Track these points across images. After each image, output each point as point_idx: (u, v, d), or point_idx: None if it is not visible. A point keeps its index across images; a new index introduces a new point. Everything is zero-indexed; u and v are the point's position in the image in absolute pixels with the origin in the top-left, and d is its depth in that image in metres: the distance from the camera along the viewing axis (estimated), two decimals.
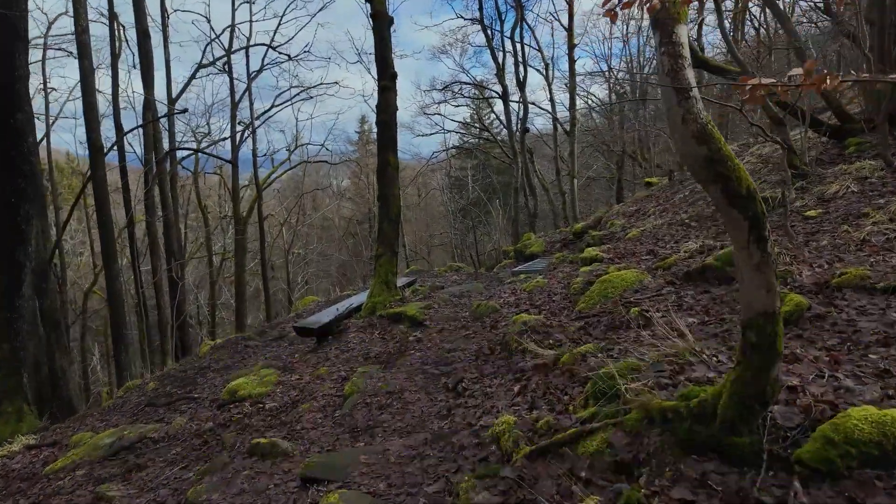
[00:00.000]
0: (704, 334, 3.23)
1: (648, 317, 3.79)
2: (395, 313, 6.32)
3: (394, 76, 7.16)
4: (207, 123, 18.74)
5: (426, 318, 6.01)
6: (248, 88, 16.49)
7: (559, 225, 22.28)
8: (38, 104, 15.40)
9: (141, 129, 11.79)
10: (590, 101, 26.41)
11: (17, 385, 6.99)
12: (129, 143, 14.20)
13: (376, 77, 7.29)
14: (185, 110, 10.67)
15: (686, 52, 1.83)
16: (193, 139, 19.01)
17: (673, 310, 3.78)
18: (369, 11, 7.25)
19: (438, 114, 20.41)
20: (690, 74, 1.82)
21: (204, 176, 19.70)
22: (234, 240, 17.49)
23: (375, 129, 7.34)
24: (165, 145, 13.97)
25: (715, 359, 2.73)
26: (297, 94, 18.28)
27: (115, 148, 11.16)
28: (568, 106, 18.78)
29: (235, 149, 16.59)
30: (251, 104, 16.01)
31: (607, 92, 28.57)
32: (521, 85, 16.65)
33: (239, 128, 17.15)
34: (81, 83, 9.55)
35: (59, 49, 15.32)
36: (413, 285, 8.51)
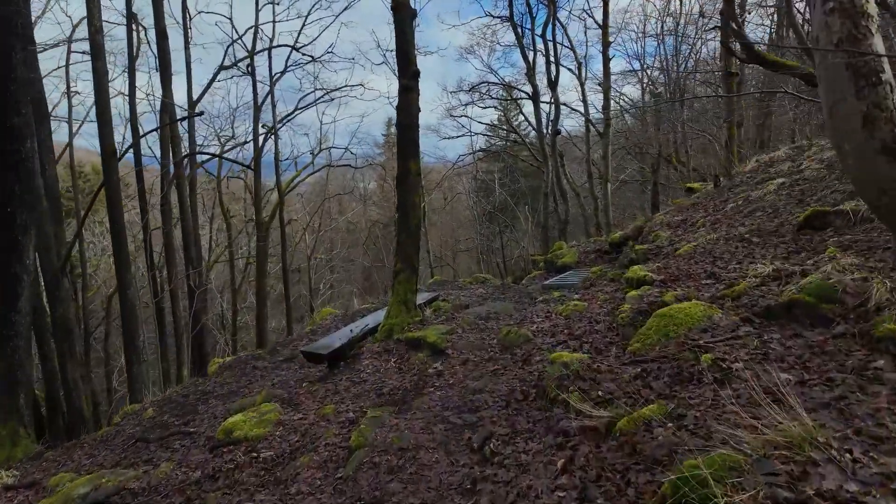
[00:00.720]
0: (811, 402, 2.44)
1: (726, 367, 3.02)
2: (414, 339, 5.63)
3: (416, 74, 6.49)
4: (232, 127, 18.48)
5: (448, 346, 5.31)
6: (271, 91, 16.11)
7: (590, 232, 21.38)
8: (62, 108, 15.21)
9: (159, 135, 11.43)
10: (622, 102, 25.37)
11: (13, 406, 6.56)
12: (150, 148, 13.93)
13: (397, 75, 6.64)
14: (200, 113, 10.29)
15: (872, 9, 1.10)
16: (217, 143, 18.81)
17: (758, 360, 2.99)
18: (390, 3, 6.60)
19: (465, 115, 19.75)
20: (879, 42, 1.09)
21: (227, 180, 19.46)
22: (255, 245, 17.16)
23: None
24: (186, 149, 13.64)
25: (847, 455, 1.95)
26: (321, 96, 17.85)
27: (132, 152, 10.80)
28: (601, 107, 17.86)
29: (258, 152, 16.22)
30: (273, 107, 15.62)
31: (640, 92, 27.53)
32: (553, 84, 15.83)
33: (262, 131, 16.81)
34: (94, 85, 9.18)
35: (84, 53, 15.22)
36: (435, 302, 7.82)
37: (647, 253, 7.24)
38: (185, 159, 12.11)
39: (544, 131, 16.47)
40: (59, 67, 13.20)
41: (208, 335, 19.01)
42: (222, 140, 18.83)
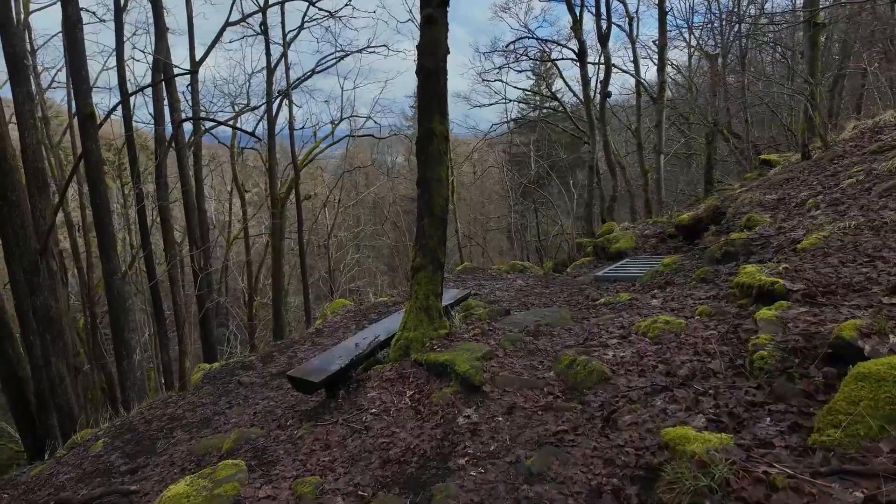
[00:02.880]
0: None
1: None
2: (439, 364, 4.08)
3: (444, 1, 4.80)
4: (247, 94, 17.00)
5: (486, 381, 3.74)
6: (285, 52, 14.52)
7: (637, 210, 19.42)
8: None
9: (152, 96, 10.01)
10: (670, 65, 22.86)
11: None
12: (153, 117, 12.58)
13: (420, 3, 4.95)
14: (194, 70, 8.83)
15: None
16: (233, 112, 17.40)
17: None
18: None
19: (500, 80, 17.80)
20: None
21: (243, 153, 18.14)
22: (270, 223, 15.86)
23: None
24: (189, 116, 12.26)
25: None
26: (341, 58, 16.20)
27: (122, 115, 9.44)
28: (657, 67, 15.69)
29: (271, 120, 14.78)
30: (287, 69, 14.06)
31: (687, 57, 24.91)
32: (604, 40, 13.77)
33: (277, 98, 15.31)
34: (65, 35, 7.77)
35: (84, 10, 13.84)
36: (465, 301, 6.25)
37: (750, 245, 5.46)
38: (182, 125, 10.70)
39: (591, 94, 14.47)
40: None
41: (222, 320, 18.00)
42: (237, 108, 17.43)
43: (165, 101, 10.72)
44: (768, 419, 2.49)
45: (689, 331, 3.84)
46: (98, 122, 8.27)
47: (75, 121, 10.99)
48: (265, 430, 4.09)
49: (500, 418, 3.32)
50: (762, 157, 12.41)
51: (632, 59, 16.86)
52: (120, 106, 9.22)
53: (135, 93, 9.69)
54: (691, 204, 21.74)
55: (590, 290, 6.99)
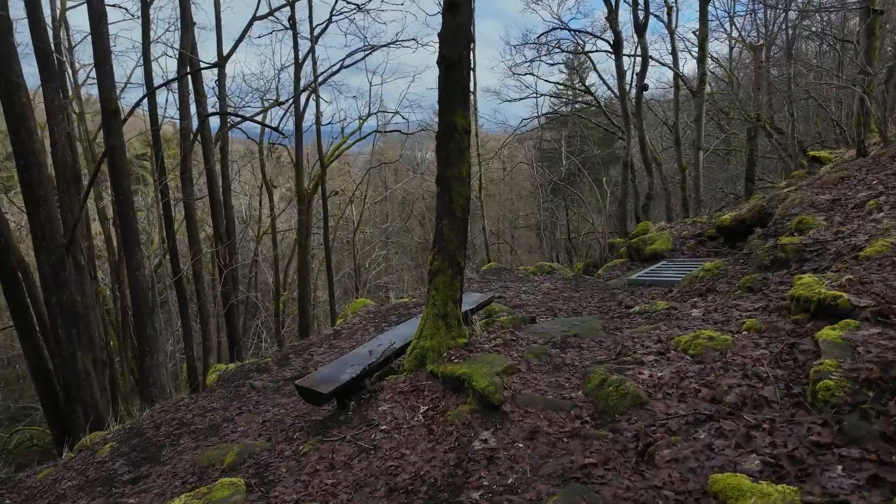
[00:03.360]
0: None
1: None
2: (456, 377, 3.77)
3: None
4: (276, 89, 16.94)
5: (506, 399, 3.41)
6: (312, 47, 14.36)
7: (672, 208, 18.68)
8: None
9: (178, 90, 9.97)
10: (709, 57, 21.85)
11: None
12: (179, 111, 12.59)
13: None
14: (219, 64, 8.71)
15: None
16: (261, 107, 17.40)
17: None
18: None
19: (531, 73, 17.32)
20: None
21: (271, 150, 18.15)
22: (297, 219, 15.81)
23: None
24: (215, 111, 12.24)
25: None
26: (369, 52, 15.98)
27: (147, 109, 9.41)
28: (697, 59, 14.94)
29: (299, 116, 14.69)
30: (314, 63, 13.90)
31: (728, 49, 23.86)
32: (640, 30, 13.14)
33: (304, 93, 15.21)
34: (91, 27, 7.73)
35: (115, 7, 14.01)
36: (487, 305, 5.92)
37: (804, 251, 4.95)
38: (208, 119, 10.65)
39: (627, 87, 13.86)
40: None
41: (252, 313, 18.10)
42: (266, 104, 17.44)
43: (192, 97, 10.70)
44: (840, 467, 2.08)
45: (736, 349, 3.42)
46: (122, 117, 8.21)
47: None
48: (271, 443, 3.86)
49: (521, 444, 2.99)
50: (811, 153, 11.61)
51: (670, 50, 16.12)
52: (146, 101, 9.19)
53: (160, 86, 9.66)
54: (732, 203, 20.84)
55: (623, 296, 6.56)
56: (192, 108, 10.72)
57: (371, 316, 7.28)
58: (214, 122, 12.82)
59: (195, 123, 10.16)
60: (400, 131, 17.56)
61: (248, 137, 17.42)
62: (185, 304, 10.40)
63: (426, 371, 4.12)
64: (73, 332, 8.99)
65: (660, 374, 3.37)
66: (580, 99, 20.68)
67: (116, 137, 8.17)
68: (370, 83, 26.90)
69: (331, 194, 16.99)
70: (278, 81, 22.15)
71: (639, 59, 13.88)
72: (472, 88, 19.36)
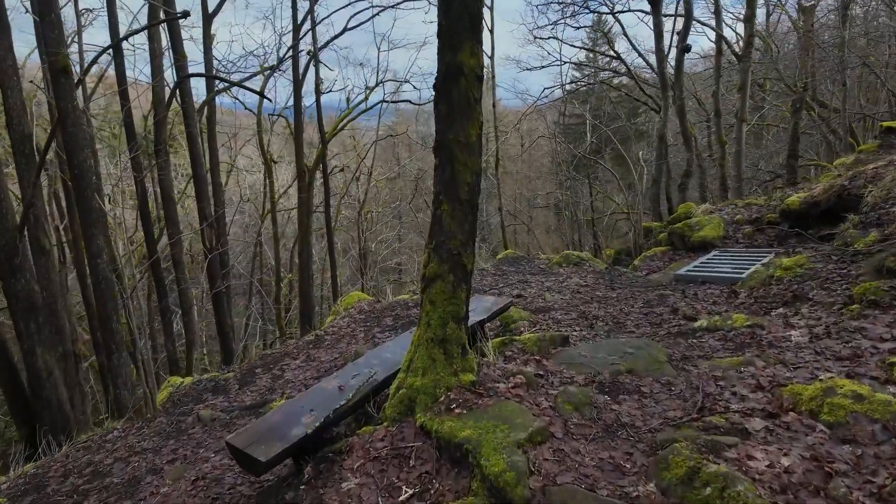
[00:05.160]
0: None
1: None
2: (457, 443, 2.50)
3: None
4: (277, 54, 15.44)
5: (534, 494, 2.13)
6: (311, 7, 12.91)
7: (707, 187, 17.06)
8: None
9: (148, 45, 8.66)
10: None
11: None
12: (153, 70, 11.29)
13: None
14: (186, 14, 7.40)
15: None
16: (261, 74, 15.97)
17: None
18: None
19: (554, 37, 15.58)
20: None
21: (276, 120, 16.85)
22: (297, 197, 14.57)
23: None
24: (204, 85, 10.94)
25: None
26: (376, 13, 14.48)
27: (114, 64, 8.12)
28: (744, 18, 13.17)
29: (298, 83, 13.30)
30: (313, 25, 12.46)
31: (764, 15, 21.69)
32: None
33: (303, 58, 13.81)
34: None
35: None
36: (504, 313, 4.61)
37: None
38: (188, 83, 9.33)
39: (665, 49, 12.20)
40: None
41: (256, 301, 17.05)
42: (266, 72, 16.04)
43: (170, 57, 9.43)
44: None
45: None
46: (77, 76, 6.96)
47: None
48: None
49: None
50: (885, 124, 9.98)
51: (712, 9, 14.34)
52: (113, 56, 7.89)
53: (126, 37, 8.35)
54: (772, 183, 19.03)
55: (674, 298, 5.21)
56: (172, 73, 9.45)
57: (363, 317, 6.04)
58: (203, 90, 11.52)
59: (173, 88, 8.88)
60: (410, 101, 16.13)
61: (247, 108, 16.12)
62: (163, 293, 9.30)
63: (415, 424, 2.85)
64: (31, 326, 7.93)
65: (785, 464, 2.05)
66: (609, 67, 18.91)
67: (68, 101, 6.94)
68: (378, 48, 25.24)
69: (333, 170, 15.73)
70: (279, 47, 20.50)
71: (680, 20, 12.18)
72: (489, 52, 17.67)
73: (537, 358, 3.35)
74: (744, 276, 5.68)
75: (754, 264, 6.17)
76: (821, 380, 2.55)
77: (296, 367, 4.91)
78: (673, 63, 11.78)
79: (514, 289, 6.18)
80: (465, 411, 2.75)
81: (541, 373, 3.13)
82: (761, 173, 21.21)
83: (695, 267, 6.56)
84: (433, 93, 3.09)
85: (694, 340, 3.66)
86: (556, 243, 26.74)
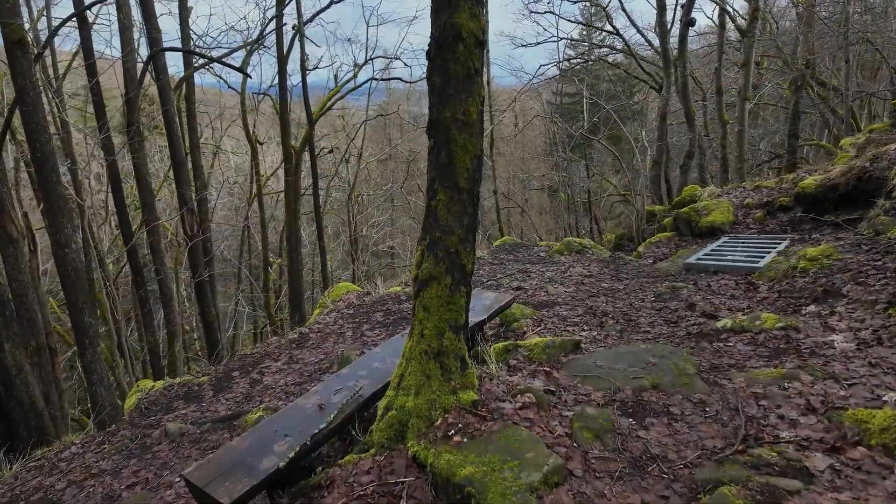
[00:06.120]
0: None
1: None
2: (456, 483, 2.09)
3: None
4: (261, 29, 14.64)
5: None
6: None
7: (707, 169, 16.66)
8: None
9: (116, 16, 8.00)
10: None
11: None
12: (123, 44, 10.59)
13: None
14: None
15: None
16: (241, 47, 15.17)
17: None
18: None
19: (551, 12, 14.94)
20: None
21: (253, 97, 16.14)
22: (284, 181, 14.00)
23: None
24: (181, 60, 10.27)
25: None
26: None
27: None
28: None
29: (282, 59, 12.62)
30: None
31: None
32: None
33: (289, 33, 13.11)
34: None
35: None
36: (505, 311, 4.19)
37: None
38: (161, 58, 8.69)
39: (668, 23, 11.65)
40: None
41: (243, 289, 16.54)
42: (248, 47, 15.27)
43: (143, 31, 8.78)
44: None
45: None
46: (35, 49, 6.36)
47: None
48: None
49: None
50: None
51: None
52: (75, 26, 7.23)
53: (91, 5, 7.68)
54: (771, 163, 18.63)
55: (687, 291, 4.81)
56: (143, 47, 8.81)
57: (351, 312, 5.60)
58: (180, 66, 10.85)
59: (143, 63, 8.25)
60: (401, 79, 15.48)
61: (230, 87, 15.41)
62: (141, 282, 8.80)
63: (406, 452, 2.44)
64: None
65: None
66: (605, 44, 18.29)
67: (26, 77, 6.34)
68: (367, 23, 24.30)
69: (321, 152, 15.14)
70: (264, 22, 19.51)
71: None
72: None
73: (546, 369, 2.93)
74: (760, 265, 5.30)
75: (769, 252, 5.78)
76: (886, 400, 2.15)
77: (276, 371, 4.48)
78: (676, 38, 11.24)
79: (514, 280, 5.75)
80: (465, 439, 2.33)
81: (552, 388, 2.72)
82: (760, 153, 20.82)
83: (705, 255, 6.16)
84: (426, 63, 2.60)
85: (719, 344, 3.26)
86: (550, 225, 26.34)
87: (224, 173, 18.88)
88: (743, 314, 3.76)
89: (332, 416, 2.69)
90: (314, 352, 4.72)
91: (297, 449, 2.48)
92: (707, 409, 2.44)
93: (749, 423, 2.29)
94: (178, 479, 3.11)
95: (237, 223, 21.66)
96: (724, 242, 6.59)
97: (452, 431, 2.40)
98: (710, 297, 4.58)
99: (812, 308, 3.66)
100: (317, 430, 2.58)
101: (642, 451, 2.20)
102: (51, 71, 11.41)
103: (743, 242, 6.44)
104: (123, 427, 3.99)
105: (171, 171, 9.77)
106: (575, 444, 2.25)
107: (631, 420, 2.41)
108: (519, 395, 2.58)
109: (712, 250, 6.32)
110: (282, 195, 19.50)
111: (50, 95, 9.87)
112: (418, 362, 2.62)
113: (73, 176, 10.40)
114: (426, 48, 2.67)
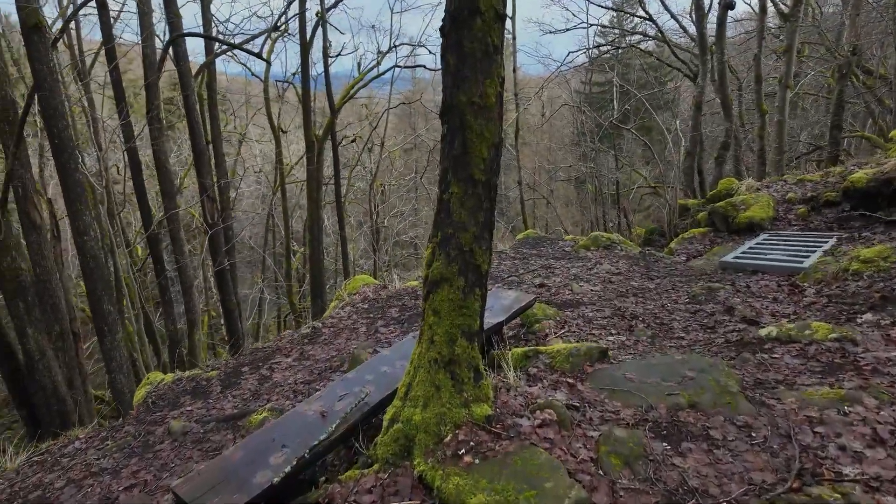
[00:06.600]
0: None
1: None
2: None
3: None
4: (285, 16, 14.45)
5: None
6: None
7: (743, 160, 15.98)
8: None
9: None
10: None
11: None
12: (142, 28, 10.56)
13: None
14: None
15: None
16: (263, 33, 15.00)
17: None
18: None
19: None
20: None
21: (276, 85, 16.05)
22: (306, 169, 13.89)
23: None
24: (202, 46, 10.19)
25: None
26: None
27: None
28: None
29: (305, 45, 12.44)
30: None
31: None
32: None
33: (311, 19, 12.92)
34: None
35: None
36: (525, 312, 3.93)
37: None
38: (181, 43, 8.59)
39: (706, 7, 11.07)
40: None
41: (267, 279, 16.59)
42: (271, 33, 15.12)
43: (163, 17, 8.69)
44: None
45: None
46: (52, 35, 6.29)
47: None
48: None
49: None
50: None
51: None
52: (94, 9, 7.14)
53: None
54: (810, 156, 17.78)
55: (725, 293, 4.46)
56: (164, 31, 8.71)
57: (366, 307, 5.41)
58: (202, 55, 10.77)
59: (161, 48, 8.17)
60: (425, 67, 15.20)
61: (254, 75, 15.35)
62: (161, 270, 8.79)
63: (412, 471, 2.21)
64: (19, 306, 7.51)
65: None
66: (636, 31, 17.61)
67: (43, 62, 6.29)
68: (391, 9, 23.92)
69: (343, 141, 14.97)
70: (287, 8, 19.35)
71: None
72: (508, 12, 16.48)
73: (570, 380, 2.66)
74: (805, 265, 4.90)
75: (814, 251, 5.37)
76: None
77: (286, 367, 4.31)
78: (713, 23, 10.64)
79: (536, 277, 5.47)
80: (477, 460, 2.09)
81: (575, 403, 2.45)
82: (799, 145, 19.89)
83: (743, 253, 5.77)
84: (440, 33, 2.33)
85: (763, 356, 2.94)
86: (575, 217, 25.79)
87: (246, 161, 18.90)
88: (789, 321, 3.42)
89: (333, 425, 2.48)
90: (326, 348, 4.54)
91: (294, 462, 2.28)
92: (753, 435, 2.15)
93: (804, 453, 1.99)
94: (176, 481, 2.95)
95: (262, 211, 21.77)
96: (764, 240, 6.17)
97: (463, 450, 2.16)
98: (750, 299, 4.22)
99: (869, 317, 3.29)
100: (316, 442, 2.38)
101: (678, 483, 1.92)
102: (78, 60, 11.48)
103: (785, 240, 6.02)
104: (129, 422, 3.88)
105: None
106: (601, 472, 1.99)
107: (665, 444, 2.13)
108: (538, 411, 2.33)
109: (751, 248, 5.92)
110: (304, 184, 19.49)
111: (77, 83, 9.91)
112: (427, 371, 2.38)
113: (101, 164, 10.46)
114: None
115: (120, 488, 3.01)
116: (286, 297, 16.93)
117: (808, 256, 5.22)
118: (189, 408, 3.88)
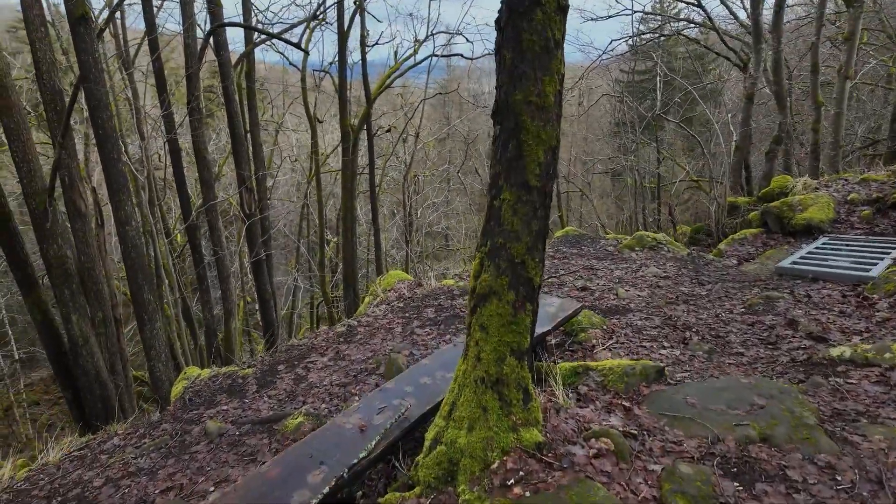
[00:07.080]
0: None
1: None
2: None
3: None
4: (324, 5, 14.37)
5: None
6: None
7: (794, 156, 15.24)
8: None
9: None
10: None
11: None
12: (184, 18, 10.64)
13: None
14: None
15: None
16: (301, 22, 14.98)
17: None
18: None
19: None
20: None
21: (314, 74, 16.05)
22: (341, 160, 13.88)
23: None
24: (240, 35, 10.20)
25: None
26: None
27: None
28: None
29: (342, 34, 12.36)
30: None
31: None
32: None
33: (349, 7, 12.82)
34: None
35: None
36: (572, 320, 3.73)
37: None
38: (222, 33, 8.59)
39: None
40: None
41: (301, 268, 16.74)
42: (309, 23, 15.10)
43: (204, 5, 8.72)
44: None
45: None
46: (98, 26, 6.33)
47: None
48: None
49: None
50: None
51: None
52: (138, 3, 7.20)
53: None
54: (887, 153, 16.87)
55: (784, 303, 4.15)
56: (205, 21, 8.74)
57: (401, 305, 5.29)
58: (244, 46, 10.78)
59: (202, 38, 8.19)
60: (462, 55, 14.87)
61: (291, 64, 15.37)
62: (199, 258, 8.90)
63: (457, 499, 2.07)
64: (65, 293, 7.70)
65: None
66: (682, 17, 16.87)
67: (89, 53, 6.36)
68: None
69: (378, 131, 14.88)
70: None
71: None
72: None
73: (625, 403, 2.47)
74: (873, 274, 4.54)
75: (883, 258, 4.98)
76: None
77: (322, 367, 4.24)
78: (769, 9, 10.04)
79: (578, 279, 5.25)
80: (527, 493, 1.94)
81: (633, 430, 2.26)
82: (854, 139, 18.82)
83: (802, 258, 5.40)
84: (492, 36, 2.15)
85: (838, 380, 2.68)
86: (611, 210, 25.17)
87: (283, 151, 19.06)
88: (862, 339, 3.13)
89: (373, 442, 2.36)
90: (361, 348, 4.45)
91: (333, 483, 2.17)
92: (839, 479, 1.92)
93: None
94: (211, 488, 2.91)
95: (297, 199, 21.98)
96: (824, 244, 5.78)
97: (512, 480, 2.01)
98: (814, 312, 3.92)
99: None
100: (356, 461, 2.26)
101: None
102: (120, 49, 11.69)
103: (848, 245, 5.62)
104: (166, 419, 3.87)
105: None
106: None
107: (736, 484, 1.93)
108: (594, 439, 2.15)
109: (810, 253, 5.55)
110: (339, 174, 19.55)
111: (122, 73, 10.08)
112: (473, 391, 2.23)
113: (143, 152, 10.67)
114: (492, 22, 2.22)
115: (156, 491, 2.99)
116: (319, 286, 17.10)
117: (875, 264, 4.85)
118: (225, 407, 3.84)
